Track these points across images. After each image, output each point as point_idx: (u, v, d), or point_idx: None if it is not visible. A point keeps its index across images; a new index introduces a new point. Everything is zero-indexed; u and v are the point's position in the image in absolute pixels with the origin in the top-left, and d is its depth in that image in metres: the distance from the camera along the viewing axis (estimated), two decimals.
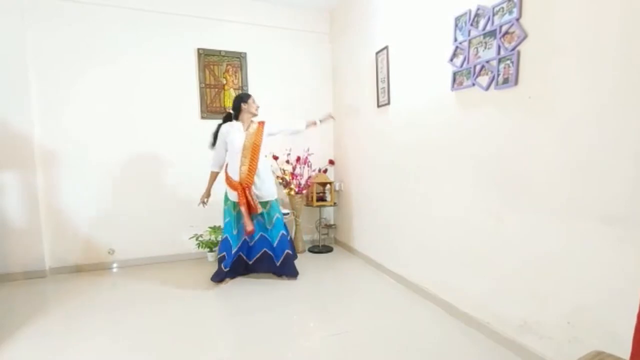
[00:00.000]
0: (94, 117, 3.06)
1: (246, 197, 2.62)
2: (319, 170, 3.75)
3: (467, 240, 2.03)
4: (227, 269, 2.70)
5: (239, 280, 2.84)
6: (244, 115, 2.70)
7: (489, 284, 1.89)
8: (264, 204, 2.73)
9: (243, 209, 2.61)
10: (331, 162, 3.86)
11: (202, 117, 3.40)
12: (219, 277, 2.72)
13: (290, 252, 2.79)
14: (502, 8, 1.69)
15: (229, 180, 2.68)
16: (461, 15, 1.95)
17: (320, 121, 3.04)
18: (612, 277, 1.31)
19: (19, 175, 2.86)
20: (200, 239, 3.29)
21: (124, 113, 3.15)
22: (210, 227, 3.33)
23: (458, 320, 2.08)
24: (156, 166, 3.27)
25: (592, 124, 1.36)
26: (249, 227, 2.63)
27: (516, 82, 1.65)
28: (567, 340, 1.48)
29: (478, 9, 1.83)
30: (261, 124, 2.75)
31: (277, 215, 2.78)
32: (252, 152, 2.65)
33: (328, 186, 3.69)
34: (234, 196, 2.66)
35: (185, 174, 3.37)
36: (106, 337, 1.98)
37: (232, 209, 2.72)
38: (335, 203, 3.75)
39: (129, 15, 3.09)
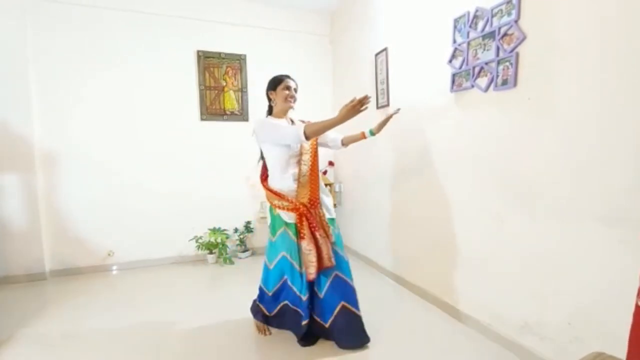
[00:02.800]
0: (94, 119, 3.06)
1: (313, 221, 1.82)
2: None
3: (467, 240, 2.03)
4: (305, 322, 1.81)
5: (239, 280, 2.83)
6: (278, 110, 1.94)
7: (490, 285, 1.88)
8: (331, 220, 1.97)
9: (316, 235, 1.80)
10: (331, 164, 3.87)
11: (202, 119, 3.40)
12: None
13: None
14: (501, 10, 1.69)
15: (281, 196, 1.85)
16: (460, 17, 1.95)
17: (372, 133, 2.16)
18: (613, 277, 1.32)
19: (19, 177, 2.86)
20: (200, 240, 3.28)
21: (124, 115, 3.15)
22: (210, 229, 3.33)
23: (458, 321, 2.07)
24: (156, 167, 3.27)
25: (592, 125, 1.36)
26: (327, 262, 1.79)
27: (515, 84, 1.65)
28: (568, 340, 1.48)
29: (477, 11, 1.83)
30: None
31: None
32: (313, 157, 1.94)
33: (328, 187, 3.68)
34: (290, 217, 1.83)
35: (185, 175, 3.37)
36: (106, 339, 1.97)
37: (291, 233, 1.83)
38: (335, 204, 3.74)
39: (129, 17, 3.10)
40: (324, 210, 1.93)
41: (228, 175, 3.49)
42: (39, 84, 2.90)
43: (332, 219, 1.97)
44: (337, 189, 3.79)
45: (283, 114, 1.96)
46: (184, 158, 3.36)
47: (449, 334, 1.96)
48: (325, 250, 1.80)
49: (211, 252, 3.32)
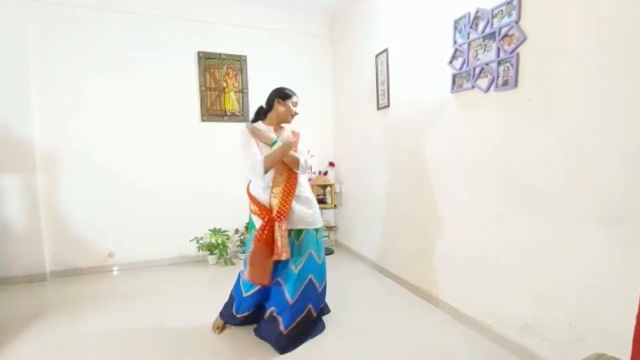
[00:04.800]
0: (94, 121, 3.07)
1: (272, 235, 1.83)
2: (320, 173, 3.75)
3: (468, 242, 2.03)
4: (239, 315, 2.00)
5: None
6: (274, 117, 2.01)
7: (490, 286, 1.88)
8: (297, 232, 1.95)
9: (259, 246, 1.83)
10: (331, 165, 3.87)
11: (203, 120, 3.41)
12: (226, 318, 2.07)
13: (312, 307, 1.96)
14: (501, 11, 1.70)
15: (255, 202, 1.93)
16: (460, 18, 1.96)
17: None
18: (613, 278, 1.32)
19: (20, 179, 2.86)
20: (200, 241, 3.28)
21: (125, 116, 3.15)
22: (210, 230, 3.33)
23: (460, 323, 2.07)
24: (156, 168, 3.27)
25: (592, 125, 1.36)
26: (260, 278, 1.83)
27: (516, 84, 1.66)
28: (569, 341, 1.48)
29: (477, 12, 1.84)
30: (296, 135, 2.07)
31: (311, 252, 1.96)
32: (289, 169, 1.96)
33: (329, 188, 3.69)
34: (258, 223, 1.91)
35: (186, 175, 3.38)
36: (106, 340, 1.97)
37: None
38: (335, 205, 3.75)
39: (129, 18, 3.11)
40: (297, 218, 1.92)
41: (228, 176, 3.49)
42: (40, 85, 2.90)
43: (314, 230, 2.01)
44: (337, 190, 3.80)
45: (277, 124, 2.04)
46: (184, 159, 3.36)
47: (449, 335, 1.96)
48: (257, 264, 1.82)
49: (212, 253, 3.32)
